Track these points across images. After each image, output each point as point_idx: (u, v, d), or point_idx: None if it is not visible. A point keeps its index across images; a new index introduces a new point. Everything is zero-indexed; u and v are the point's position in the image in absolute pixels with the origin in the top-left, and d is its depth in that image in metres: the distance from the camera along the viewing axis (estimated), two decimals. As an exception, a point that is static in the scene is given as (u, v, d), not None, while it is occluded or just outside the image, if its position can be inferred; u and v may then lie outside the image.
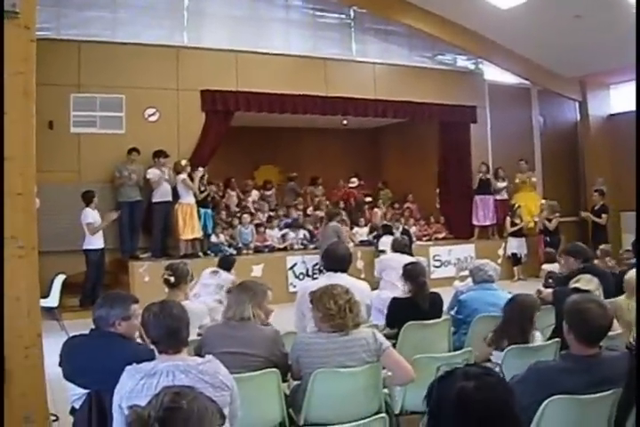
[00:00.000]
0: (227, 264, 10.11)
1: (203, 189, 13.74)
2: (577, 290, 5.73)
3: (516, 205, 16.23)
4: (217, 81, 14.17)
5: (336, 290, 4.70)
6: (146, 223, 13.37)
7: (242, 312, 4.71)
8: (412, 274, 6.72)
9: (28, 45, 5.60)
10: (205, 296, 9.06)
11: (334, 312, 4.60)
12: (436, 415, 2.12)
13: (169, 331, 3.60)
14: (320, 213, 16.30)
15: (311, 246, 14.83)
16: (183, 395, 2.17)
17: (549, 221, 15.16)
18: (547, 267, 10.59)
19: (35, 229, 5.74)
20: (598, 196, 15.73)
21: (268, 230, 14.90)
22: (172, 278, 5.93)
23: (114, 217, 12.13)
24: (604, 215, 15.34)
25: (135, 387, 3.42)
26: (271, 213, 15.89)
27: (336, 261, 6.24)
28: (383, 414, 3.87)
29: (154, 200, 13.14)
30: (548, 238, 15.23)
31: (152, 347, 3.86)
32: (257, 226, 14.72)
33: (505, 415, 2.07)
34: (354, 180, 18.53)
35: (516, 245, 15.88)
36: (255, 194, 16.57)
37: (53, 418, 5.85)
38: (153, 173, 13.06)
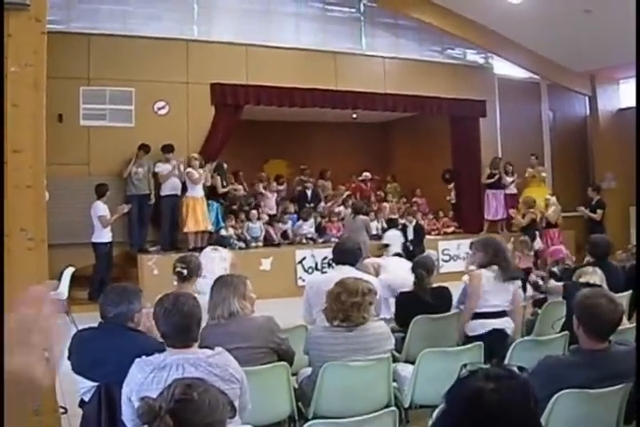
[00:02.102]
0: (223, 243, 11.19)
1: (225, 183, 13.86)
2: (588, 284, 5.74)
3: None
4: (227, 74, 14.15)
5: (354, 285, 4.70)
6: (155, 217, 13.39)
7: (229, 308, 4.67)
8: (414, 267, 6.80)
9: (39, 38, 5.60)
10: (212, 265, 9.62)
11: (337, 309, 4.63)
12: (449, 413, 2.10)
13: (177, 328, 3.56)
14: (330, 207, 16.37)
15: (320, 240, 14.84)
16: (194, 387, 2.17)
17: (523, 217, 15.01)
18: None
19: (44, 221, 5.75)
20: (592, 191, 15.72)
21: (281, 224, 14.94)
22: (185, 271, 5.90)
23: (125, 210, 12.15)
24: (599, 211, 15.26)
25: (145, 380, 3.42)
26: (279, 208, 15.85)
27: (344, 254, 6.23)
28: (393, 408, 3.86)
29: (162, 194, 13.18)
30: (521, 234, 15.08)
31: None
32: (266, 220, 14.77)
33: (521, 421, 2.04)
34: (366, 173, 18.49)
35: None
36: (264, 187, 16.49)
37: (62, 411, 5.86)
38: (161, 168, 13.11)
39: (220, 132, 14.11)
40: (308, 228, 15.17)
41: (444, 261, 15.19)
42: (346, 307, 4.62)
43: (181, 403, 2.08)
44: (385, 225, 15.51)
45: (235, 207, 14.76)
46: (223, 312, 4.67)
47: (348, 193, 17.52)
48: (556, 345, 5.23)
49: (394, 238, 13.81)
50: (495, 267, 5.81)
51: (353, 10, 15.97)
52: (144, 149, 13.05)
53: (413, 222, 14.65)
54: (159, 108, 13.70)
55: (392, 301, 7.89)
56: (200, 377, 2.39)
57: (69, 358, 4.28)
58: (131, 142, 12.97)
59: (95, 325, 4.36)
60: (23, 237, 5.54)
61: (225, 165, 14.11)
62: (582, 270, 6.23)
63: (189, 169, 13.01)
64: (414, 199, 18.20)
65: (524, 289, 11.88)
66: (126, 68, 13.17)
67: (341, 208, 16.61)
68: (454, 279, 10.67)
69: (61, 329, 1.76)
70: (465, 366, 2.16)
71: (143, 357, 3.60)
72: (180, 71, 13.82)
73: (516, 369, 2.17)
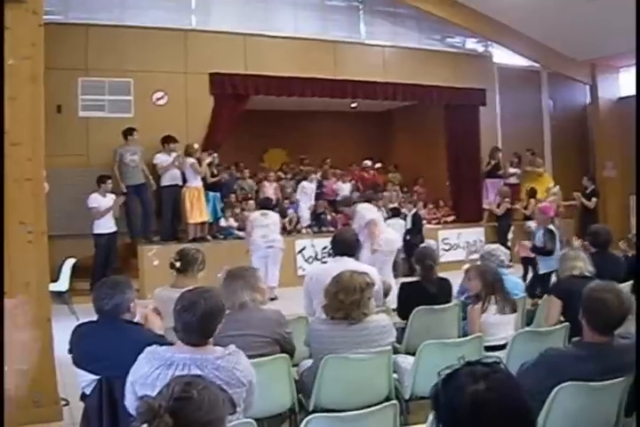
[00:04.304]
0: (268, 205, 12.38)
1: (216, 172, 13.69)
2: (578, 277, 5.76)
3: (529, 189, 16.03)
4: (225, 64, 14.08)
5: (350, 283, 4.69)
6: (155, 207, 13.33)
7: (240, 299, 4.73)
8: (420, 257, 6.74)
9: (36, 30, 5.59)
10: (271, 233, 11.75)
11: (336, 307, 4.64)
12: (448, 422, 2.09)
13: (188, 329, 3.50)
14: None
15: (324, 229, 14.87)
16: (194, 385, 2.16)
17: (498, 206, 15.05)
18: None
19: (44, 214, 5.76)
20: (587, 180, 15.84)
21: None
22: (178, 264, 5.83)
23: (120, 202, 12.13)
24: (593, 199, 15.39)
25: (150, 375, 3.40)
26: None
27: (343, 245, 6.22)
28: (394, 401, 3.85)
29: (162, 184, 13.08)
30: (496, 224, 15.23)
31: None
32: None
33: (520, 411, 2.06)
34: (367, 162, 18.40)
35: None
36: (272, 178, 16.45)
37: (63, 403, 5.88)
38: (160, 159, 13.00)
39: (221, 123, 14.08)
40: (307, 202, 15.32)
41: (444, 250, 15.18)
42: (345, 306, 4.62)
43: (181, 401, 2.07)
44: (385, 214, 15.47)
45: (232, 198, 14.65)
46: (234, 304, 4.70)
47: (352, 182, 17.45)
48: (556, 336, 5.22)
49: (395, 227, 13.88)
50: (493, 299, 5.68)
51: (352, -2, 15.92)
52: (128, 132, 12.83)
53: (412, 211, 14.64)
54: (158, 99, 13.65)
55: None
56: (200, 375, 2.36)
57: (70, 351, 4.29)
58: (130, 133, 12.92)
59: (94, 318, 4.35)
60: (23, 230, 5.55)
61: (215, 155, 13.97)
62: (565, 255, 6.23)
63: (193, 160, 12.96)
64: (415, 188, 18.20)
65: (525, 279, 11.94)
66: (124, 58, 13.12)
67: (340, 183, 16.61)
68: (454, 269, 10.65)
69: (35, 342, 1.78)
70: (440, 372, 2.15)
71: (154, 346, 3.58)
72: (178, 61, 13.76)
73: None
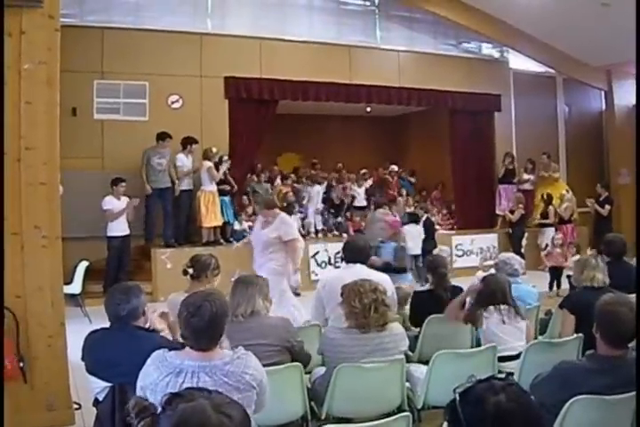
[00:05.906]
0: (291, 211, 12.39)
1: (223, 177, 13.60)
2: (592, 288, 5.71)
3: (545, 195, 15.93)
4: (240, 68, 14.11)
5: (363, 288, 4.70)
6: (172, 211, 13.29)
7: (253, 306, 4.71)
8: (432, 265, 6.71)
9: (52, 35, 5.60)
10: None
11: (358, 311, 4.62)
12: None
13: (198, 334, 3.46)
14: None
15: (336, 233, 14.87)
16: (185, 398, 2.07)
17: (512, 212, 15.02)
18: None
19: (58, 219, 5.76)
20: (601, 187, 15.96)
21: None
22: (191, 270, 5.83)
23: (134, 204, 12.11)
24: (607, 206, 15.47)
25: (160, 382, 3.37)
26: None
27: (355, 252, 6.20)
28: (407, 413, 3.83)
29: (182, 188, 13.07)
30: (510, 230, 15.23)
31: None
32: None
33: (537, 420, 2.13)
34: (394, 166, 18.30)
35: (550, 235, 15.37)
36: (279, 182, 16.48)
37: (76, 406, 5.89)
38: (182, 161, 13.00)
39: (242, 127, 14.19)
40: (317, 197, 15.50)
41: (457, 256, 15.13)
42: (356, 311, 4.64)
43: (162, 412, 2.04)
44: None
45: (245, 200, 14.64)
46: (246, 310, 4.69)
47: (370, 183, 17.33)
48: (569, 347, 5.18)
49: (413, 233, 13.66)
50: (492, 308, 5.64)
51: (368, 3, 15.90)
52: (161, 137, 12.83)
53: (424, 217, 14.54)
54: (173, 102, 13.68)
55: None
56: (206, 388, 2.29)
57: (83, 358, 4.28)
58: (145, 136, 12.90)
59: (107, 325, 4.34)
60: (37, 235, 5.55)
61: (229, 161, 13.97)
62: (586, 262, 6.16)
63: (210, 164, 12.95)
64: (434, 193, 18.22)
65: (551, 287, 11.84)
66: (140, 61, 13.18)
67: (355, 188, 16.61)
68: (468, 275, 10.65)
69: None
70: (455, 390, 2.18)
71: (163, 350, 3.57)
72: (193, 65, 13.80)
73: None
